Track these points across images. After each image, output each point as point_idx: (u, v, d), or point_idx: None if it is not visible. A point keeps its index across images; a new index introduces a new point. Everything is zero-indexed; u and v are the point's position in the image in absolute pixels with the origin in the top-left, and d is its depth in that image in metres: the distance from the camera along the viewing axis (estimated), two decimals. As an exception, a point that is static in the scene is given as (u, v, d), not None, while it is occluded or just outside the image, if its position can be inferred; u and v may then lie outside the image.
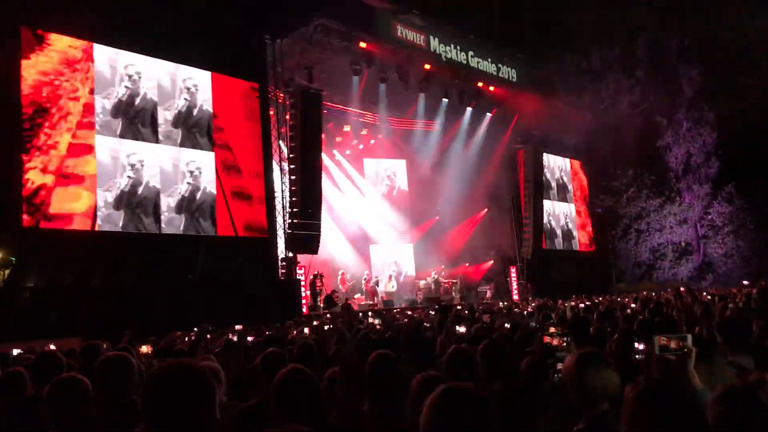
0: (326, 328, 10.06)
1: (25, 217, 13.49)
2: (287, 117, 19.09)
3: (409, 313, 16.54)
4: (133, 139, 15.70)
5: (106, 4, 15.14)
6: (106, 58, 15.55)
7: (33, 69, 14.10)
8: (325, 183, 20.93)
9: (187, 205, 16.52)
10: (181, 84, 17.00)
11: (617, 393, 2.64)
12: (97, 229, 14.66)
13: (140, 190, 15.63)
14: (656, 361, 3.04)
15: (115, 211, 15.05)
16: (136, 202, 15.52)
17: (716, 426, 2.10)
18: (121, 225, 15.10)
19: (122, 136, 15.48)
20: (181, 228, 16.31)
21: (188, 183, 16.65)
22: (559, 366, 3.50)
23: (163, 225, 15.95)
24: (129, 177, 15.45)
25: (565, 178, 30.98)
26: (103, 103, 15.23)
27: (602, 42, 31.47)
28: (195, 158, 16.93)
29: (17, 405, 4.04)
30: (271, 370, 4.75)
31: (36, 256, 13.88)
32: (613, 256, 33.20)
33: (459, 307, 15.31)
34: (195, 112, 17.16)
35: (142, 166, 15.74)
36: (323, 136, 19.98)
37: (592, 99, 30.80)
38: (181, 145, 16.70)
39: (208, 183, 17.10)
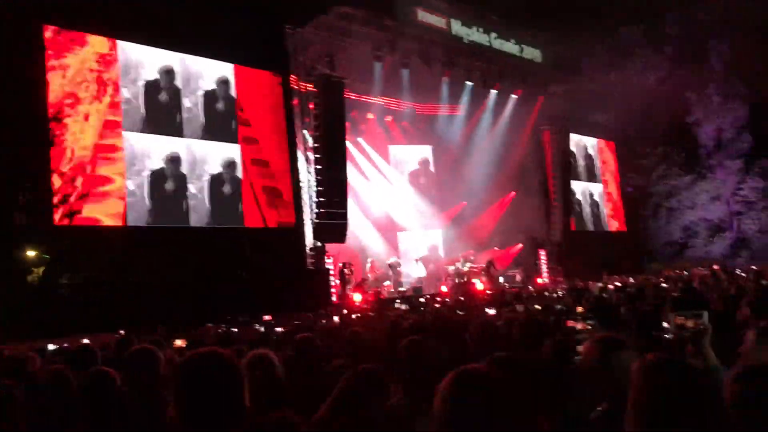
0: (353, 316, 10.09)
1: (56, 215, 13.72)
2: (311, 106, 19.10)
3: (439, 299, 16.50)
4: (160, 134, 15.86)
5: (128, 0, 15.27)
6: (130, 54, 15.70)
7: (58, 67, 14.28)
8: (351, 171, 20.93)
9: (215, 198, 16.66)
10: (205, 77, 17.11)
11: None
12: (127, 224, 14.86)
13: (168, 185, 15.80)
14: (674, 340, 3.01)
15: (144, 207, 15.24)
16: (165, 197, 15.70)
17: (733, 405, 2.06)
18: (150, 220, 15.28)
19: (148, 131, 15.64)
20: (209, 221, 16.45)
21: (215, 177, 16.77)
22: (579, 349, 3.47)
23: (192, 218, 16.10)
24: (156, 172, 15.62)
25: (593, 158, 30.61)
26: (128, 100, 15.39)
27: (629, 18, 30.89)
28: (221, 151, 17.05)
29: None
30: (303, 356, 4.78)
31: (69, 254, 14.08)
32: (644, 236, 32.77)
33: (489, 292, 15.24)
34: (220, 105, 17.28)
35: (170, 161, 15.90)
36: (347, 124, 19.95)
37: (619, 77, 30.28)
38: (207, 138, 16.82)
39: (236, 176, 17.21)
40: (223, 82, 17.46)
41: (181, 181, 16.07)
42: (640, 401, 2.01)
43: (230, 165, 17.15)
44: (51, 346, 8.45)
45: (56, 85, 14.17)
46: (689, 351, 2.93)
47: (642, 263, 29.96)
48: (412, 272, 23.85)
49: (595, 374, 2.80)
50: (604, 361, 2.76)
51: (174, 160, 15.99)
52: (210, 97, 17.10)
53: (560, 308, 7.10)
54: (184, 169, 16.17)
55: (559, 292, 13.35)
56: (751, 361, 2.81)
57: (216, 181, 16.77)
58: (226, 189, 16.97)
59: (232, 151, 17.28)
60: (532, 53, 24.42)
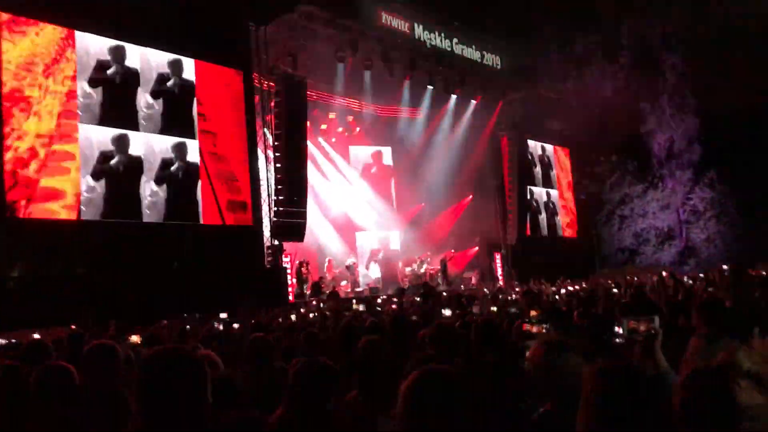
0: (311, 315, 10.13)
1: (8, 207, 13.42)
2: (272, 104, 19.04)
3: (395, 300, 16.59)
4: (116, 127, 15.61)
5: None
6: (88, 44, 15.43)
7: (13, 56, 13.98)
8: (311, 170, 20.95)
9: (170, 193, 16.48)
10: (164, 70, 16.90)
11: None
12: (81, 218, 14.62)
13: (123, 178, 15.57)
14: (624, 344, 3.11)
15: (99, 201, 14.99)
16: (119, 190, 15.47)
17: (681, 410, 2.10)
18: (104, 214, 15.04)
19: (104, 123, 15.39)
20: (166, 216, 16.28)
21: (172, 171, 16.59)
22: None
23: (146, 213, 15.91)
24: (112, 165, 15.38)
25: (549, 164, 31.13)
26: (85, 91, 15.12)
27: (586, 29, 31.49)
28: (178, 145, 16.86)
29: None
30: (258, 355, 4.84)
31: (20, 247, 13.80)
32: (596, 242, 33.42)
33: (444, 294, 15.41)
34: (178, 99, 17.08)
35: (125, 154, 15.67)
36: (308, 123, 19.95)
37: (575, 85, 30.86)
38: (164, 132, 16.61)
39: (192, 171, 17.05)
40: (183, 77, 17.27)
41: (136, 175, 15.83)
42: (591, 406, 2.06)
43: (187, 159, 16.97)
44: (1, 341, 8.31)
45: (8, 76, 13.85)
46: (639, 355, 3.01)
47: (594, 269, 30.57)
48: (370, 273, 23.95)
49: (539, 376, 2.85)
50: (549, 364, 2.80)
51: (129, 154, 15.73)
52: (169, 91, 16.90)
53: (514, 311, 7.26)
54: (140, 162, 15.92)
55: (514, 295, 13.57)
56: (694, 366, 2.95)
57: (172, 175, 16.58)
58: (182, 184, 16.78)
59: (190, 146, 17.12)
60: (492, 60, 24.75)
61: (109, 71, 15.69)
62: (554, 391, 2.77)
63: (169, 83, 16.94)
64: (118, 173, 15.50)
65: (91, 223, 14.77)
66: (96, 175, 15.01)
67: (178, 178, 16.70)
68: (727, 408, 2.07)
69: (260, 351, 4.83)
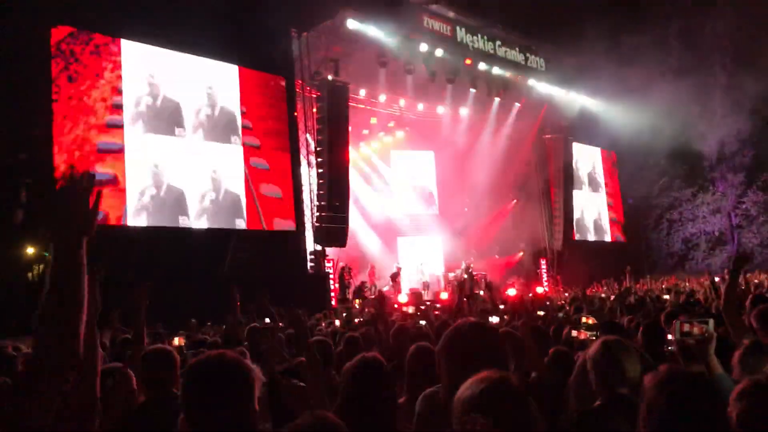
0: (356, 320, 10.04)
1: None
2: (314, 110, 19.10)
3: (438, 305, 16.44)
4: (162, 134, 15.83)
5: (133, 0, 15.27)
6: (134, 54, 15.67)
7: (62, 67, 14.27)
8: (353, 176, 20.95)
9: (215, 200, 16.63)
10: (208, 79, 17.08)
11: (638, 382, 2.67)
12: (127, 224, 14.83)
13: (168, 186, 15.75)
14: (677, 347, 2.98)
15: (145, 208, 15.20)
16: (165, 198, 15.66)
17: (738, 421, 2.02)
18: (151, 221, 15.25)
19: (150, 132, 15.61)
20: (210, 223, 16.42)
21: (216, 179, 16.74)
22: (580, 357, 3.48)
23: (192, 220, 16.07)
24: (157, 173, 15.57)
25: (596, 168, 30.62)
26: (131, 100, 15.36)
27: (633, 28, 30.92)
28: (223, 153, 17.02)
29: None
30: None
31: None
32: (645, 247, 32.77)
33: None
34: (222, 107, 17.23)
35: (170, 162, 15.86)
36: (350, 129, 19.96)
37: (622, 87, 30.26)
38: (209, 140, 16.79)
39: (237, 178, 17.18)
40: (227, 85, 17.44)
41: (181, 183, 16.02)
42: (653, 414, 1.97)
43: (231, 167, 17.11)
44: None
45: (59, 85, 14.14)
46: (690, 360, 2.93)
47: (642, 275, 29.91)
48: (413, 278, 23.85)
49: (596, 372, 2.91)
50: (608, 360, 2.88)
51: (174, 162, 15.92)
52: (213, 98, 17.07)
53: (561, 316, 7.07)
54: (184, 170, 16.11)
55: (561, 301, 13.29)
56: (746, 373, 2.81)
57: (216, 183, 16.73)
58: (227, 192, 16.92)
59: (234, 153, 17.25)
60: (537, 62, 24.45)
61: (156, 82, 15.92)
62: (608, 388, 2.85)
63: (214, 92, 17.10)
64: (166, 189, 15.71)
65: (137, 230, 14.97)
66: (144, 189, 15.24)
67: (222, 186, 16.83)
68: None
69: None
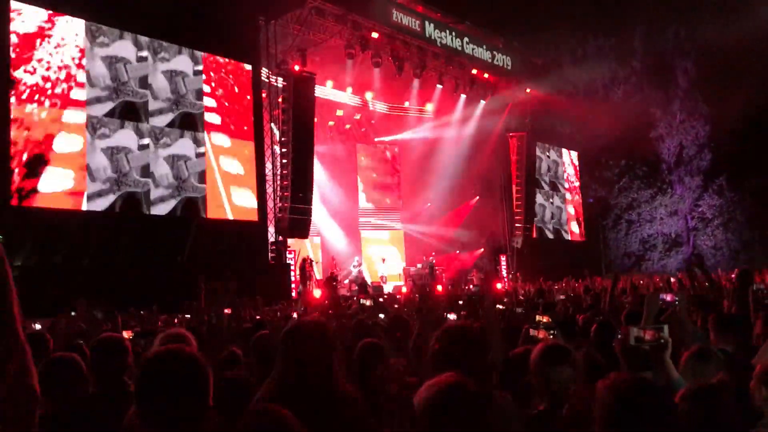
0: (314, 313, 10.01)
1: (13, 195, 13.38)
2: (279, 100, 18.97)
3: (399, 297, 16.49)
4: (123, 119, 15.56)
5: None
6: (96, 37, 15.38)
7: (19, 45, 13.95)
8: (317, 167, 20.86)
9: (177, 186, 16.41)
10: (173, 65, 16.83)
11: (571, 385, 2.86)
12: (85, 209, 14.57)
13: (130, 170, 15.51)
14: (629, 353, 3.02)
15: (104, 192, 14.94)
16: (125, 182, 15.41)
17: (682, 420, 2.13)
18: (109, 206, 15.00)
19: (111, 115, 15.34)
20: (171, 210, 16.21)
21: (179, 164, 16.53)
22: None
23: (152, 206, 15.84)
24: (118, 157, 15.32)
25: (557, 168, 30.98)
26: (92, 83, 15.07)
27: (598, 31, 31.33)
28: (187, 139, 16.80)
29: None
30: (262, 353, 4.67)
31: (24, 236, 13.74)
32: (603, 246, 33.27)
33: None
34: (187, 92, 17.01)
35: (132, 146, 15.62)
36: (315, 119, 19.86)
37: (586, 88, 30.69)
38: (173, 126, 16.56)
39: (200, 165, 16.99)
40: (192, 70, 17.21)
41: (143, 167, 15.77)
42: (604, 421, 2.01)
43: (195, 153, 16.91)
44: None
45: (17, 64, 13.81)
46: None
47: (599, 274, 30.40)
48: (373, 271, 23.87)
49: (536, 378, 2.97)
50: (546, 368, 2.93)
51: (136, 146, 15.68)
52: (178, 84, 16.83)
53: (520, 311, 7.16)
54: (147, 155, 15.88)
55: (520, 297, 13.42)
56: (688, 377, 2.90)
57: (179, 169, 16.51)
58: (189, 178, 16.72)
59: (198, 139, 17.05)
60: (503, 60, 24.62)
61: (119, 65, 15.63)
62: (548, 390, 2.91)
63: (179, 77, 16.86)
64: (127, 174, 15.45)
65: (95, 214, 14.72)
66: (103, 173, 14.97)
67: (185, 172, 16.62)
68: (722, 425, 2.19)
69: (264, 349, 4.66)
